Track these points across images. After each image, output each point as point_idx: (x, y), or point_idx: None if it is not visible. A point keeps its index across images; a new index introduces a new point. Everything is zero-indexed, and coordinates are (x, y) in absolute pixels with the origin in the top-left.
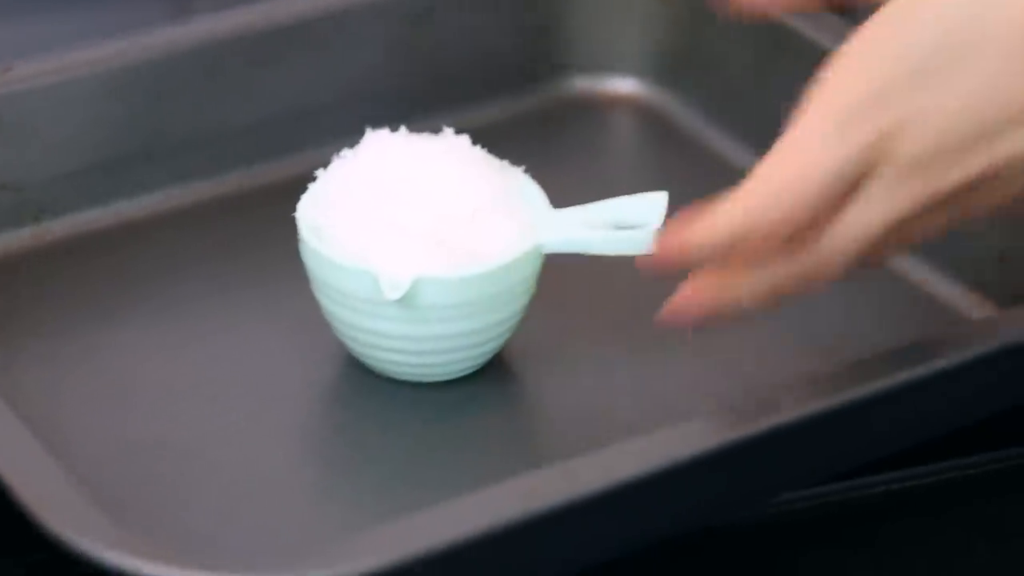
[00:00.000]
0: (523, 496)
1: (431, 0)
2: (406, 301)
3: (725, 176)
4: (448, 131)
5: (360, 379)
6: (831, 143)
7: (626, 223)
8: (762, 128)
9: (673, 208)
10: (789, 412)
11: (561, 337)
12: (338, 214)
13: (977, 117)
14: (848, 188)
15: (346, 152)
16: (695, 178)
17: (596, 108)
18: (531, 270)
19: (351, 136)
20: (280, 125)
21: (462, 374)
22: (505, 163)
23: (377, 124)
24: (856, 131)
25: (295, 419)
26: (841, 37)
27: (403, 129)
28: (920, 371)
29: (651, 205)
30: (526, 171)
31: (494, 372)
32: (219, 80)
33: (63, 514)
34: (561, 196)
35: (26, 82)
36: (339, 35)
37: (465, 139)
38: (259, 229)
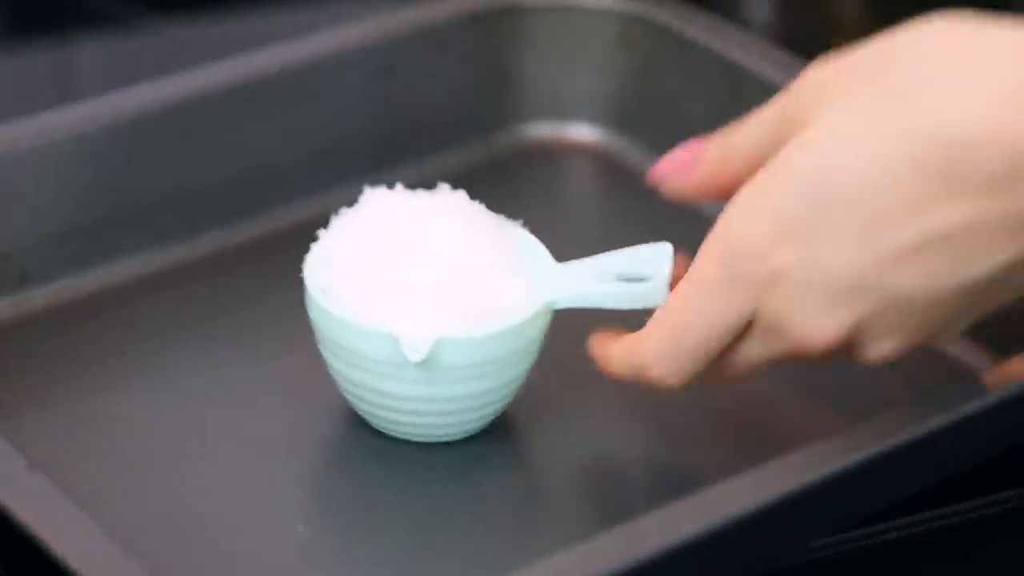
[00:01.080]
0: (586, 561)
1: (393, 53)
2: (426, 363)
3: (684, 221)
4: (444, 186)
5: (366, 438)
6: (718, 295)
7: (633, 274)
8: None
9: None
10: (825, 464)
11: (563, 392)
12: (346, 274)
13: (842, 273)
14: (738, 330)
15: (345, 210)
16: (656, 223)
17: (555, 155)
18: (543, 326)
19: (320, 191)
20: (251, 182)
21: (469, 434)
22: (503, 218)
23: (345, 178)
24: (740, 285)
25: (305, 482)
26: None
27: (399, 185)
28: (944, 419)
29: (657, 255)
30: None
31: (499, 431)
32: (192, 139)
33: None
34: None
35: (2, 148)
36: (304, 91)
37: (463, 194)
38: (239, 288)
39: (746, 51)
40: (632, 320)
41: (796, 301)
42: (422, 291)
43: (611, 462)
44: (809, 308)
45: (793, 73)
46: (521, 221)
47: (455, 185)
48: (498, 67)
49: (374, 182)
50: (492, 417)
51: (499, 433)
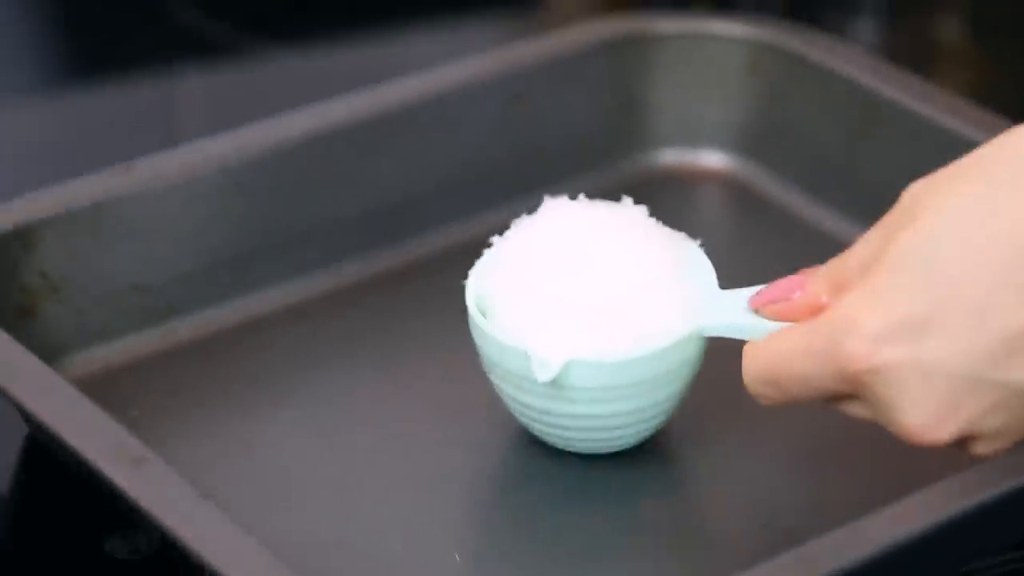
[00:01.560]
0: None
1: (525, 82)
2: (557, 382)
3: (818, 246)
4: (627, 200)
5: (517, 463)
6: (818, 366)
7: None
8: (853, 197)
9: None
10: (983, 489)
11: (724, 414)
12: (503, 284)
13: (954, 370)
14: (838, 396)
15: (524, 218)
16: (789, 250)
17: (686, 182)
18: (691, 353)
19: (455, 220)
20: (389, 212)
21: (622, 448)
22: (682, 236)
23: (478, 206)
24: (841, 370)
25: (459, 506)
26: (929, 102)
27: (581, 196)
28: None
29: None
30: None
31: (659, 448)
32: (332, 170)
33: None
34: None
35: (149, 181)
36: (441, 120)
37: (642, 209)
38: (380, 315)
39: (876, 76)
40: None
41: (903, 396)
42: (566, 306)
43: (768, 487)
44: (917, 407)
45: (922, 97)
46: (700, 241)
47: None
48: (628, 94)
49: (508, 210)
50: (647, 434)
51: (659, 450)
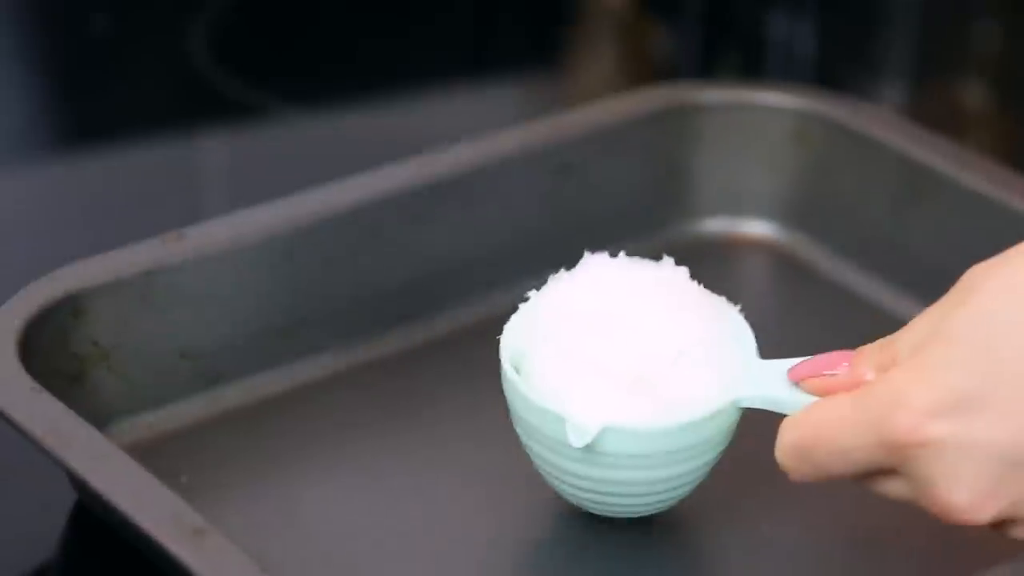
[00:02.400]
0: None
1: (573, 152)
2: (591, 447)
3: (863, 315)
4: (668, 260)
5: (558, 535)
6: (857, 438)
7: None
8: (899, 268)
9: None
10: None
11: (745, 490)
12: (539, 342)
13: (1004, 451)
14: (874, 469)
15: (562, 273)
16: (834, 319)
17: (731, 251)
18: (727, 424)
19: (501, 288)
20: (437, 280)
21: (648, 514)
22: (722, 299)
23: (524, 275)
24: (884, 443)
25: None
26: (973, 171)
27: (622, 254)
28: None
29: None
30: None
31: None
32: (378, 238)
33: None
34: None
35: (198, 249)
36: (488, 189)
37: (683, 271)
38: (427, 384)
39: (922, 146)
40: None
41: (947, 473)
42: (603, 369)
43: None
44: (961, 485)
45: (967, 166)
46: (740, 306)
47: None
48: (674, 164)
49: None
50: (676, 500)
51: (684, 517)
